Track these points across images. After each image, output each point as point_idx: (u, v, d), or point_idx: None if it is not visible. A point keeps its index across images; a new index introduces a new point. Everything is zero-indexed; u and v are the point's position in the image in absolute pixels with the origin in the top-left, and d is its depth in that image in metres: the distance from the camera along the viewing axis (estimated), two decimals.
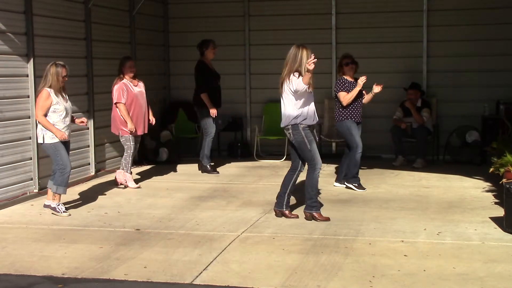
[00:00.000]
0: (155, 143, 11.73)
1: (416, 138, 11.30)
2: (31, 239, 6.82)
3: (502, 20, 11.79)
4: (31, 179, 8.93)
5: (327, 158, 11.75)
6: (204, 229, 7.20)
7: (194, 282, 5.52)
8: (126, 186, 9.52)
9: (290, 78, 7.35)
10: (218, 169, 10.99)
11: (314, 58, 7.17)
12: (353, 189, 9.18)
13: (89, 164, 10.35)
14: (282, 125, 7.56)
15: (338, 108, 9.39)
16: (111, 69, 10.92)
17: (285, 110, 7.46)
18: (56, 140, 7.80)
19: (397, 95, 11.94)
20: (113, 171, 10.44)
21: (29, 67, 8.85)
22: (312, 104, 7.49)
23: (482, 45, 11.91)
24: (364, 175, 10.38)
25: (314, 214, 7.50)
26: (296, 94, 7.32)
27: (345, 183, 9.37)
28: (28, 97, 8.86)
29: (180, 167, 11.32)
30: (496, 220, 7.29)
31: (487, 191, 9.02)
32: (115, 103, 9.42)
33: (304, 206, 7.64)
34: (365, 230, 7.04)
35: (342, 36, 12.41)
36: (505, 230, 6.87)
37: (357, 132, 9.30)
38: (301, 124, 7.40)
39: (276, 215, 7.68)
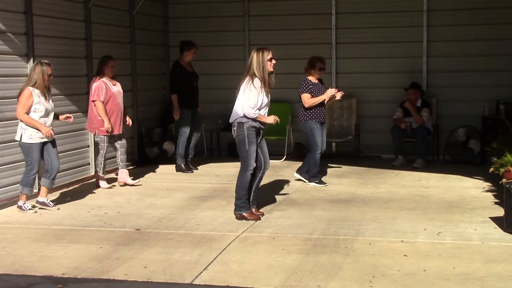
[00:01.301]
0: (156, 151, 11.82)
1: (416, 138, 11.30)
2: (31, 239, 6.82)
3: (502, 20, 11.79)
4: None
5: (327, 158, 11.77)
6: (204, 229, 7.20)
7: (194, 282, 5.52)
8: (98, 186, 9.60)
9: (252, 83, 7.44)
10: (218, 169, 11.00)
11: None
12: (311, 184, 9.61)
13: (89, 164, 10.34)
14: (230, 121, 7.63)
15: (302, 109, 9.62)
16: None
17: (236, 107, 7.52)
18: (33, 141, 7.90)
19: (397, 95, 11.94)
20: (113, 171, 10.45)
21: (29, 67, 8.83)
22: (266, 109, 7.56)
23: (482, 45, 11.91)
24: (364, 175, 10.40)
25: (244, 214, 7.55)
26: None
27: (304, 178, 9.77)
28: None
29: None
30: (496, 220, 7.30)
31: (487, 191, 9.02)
32: (93, 101, 9.41)
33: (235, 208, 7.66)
34: (365, 230, 7.04)
35: (342, 36, 12.40)
36: (505, 230, 6.87)
37: (319, 133, 9.56)
38: (246, 123, 7.45)
39: (237, 217, 7.64)
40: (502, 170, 7.83)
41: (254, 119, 7.44)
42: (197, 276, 5.63)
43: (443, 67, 12.13)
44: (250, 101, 7.36)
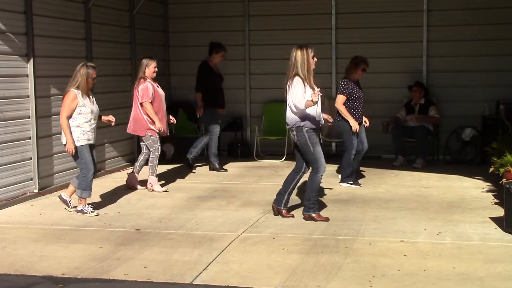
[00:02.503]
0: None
1: (416, 138, 11.30)
2: (31, 239, 6.82)
3: (502, 20, 11.79)
4: (31, 179, 8.92)
5: (327, 158, 11.77)
6: (204, 229, 7.20)
7: (194, 282, 5.52)
8: (152, 190, 9.33)
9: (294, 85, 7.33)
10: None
11: (319, 91, 7.28)
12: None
13: None
14: (287, 126, 7.57)
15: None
16: (111, 69, 10.95)
17: (289, 110, 7.46)
18: (81, 143, 7.78)
19: (397, 95, 11.94)
20: (113, 171, 10.45)
21: (29, 67, 8.84)
22: (318, 106, 7.46)
23: (482, 45, 11.91)
24: (364, 175, 10.39)
25: (313, 215, 7.50)
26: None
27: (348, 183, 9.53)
28: (28, 97, 8.85)
29: (180, 167, 11.31)
30: (496, 220, 7.29)
31: (487, 191, 9.02)
32: (142, 103, 9.18)
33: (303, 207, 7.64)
34: (365, 230, 7.04)
35: (342, 36, 12.41)
36: (505, 230, 6.87)
37: (355, 133, 9.49)
38: (304, 126, 7.39)
39: (274, 212, 7.70)
40: (502, 170, 7.83)
41: (309, 119, 7.36)
42: (197, 276, 5.63)
43: (443, 67, 12.13)
44: (298, 94, 7.26)
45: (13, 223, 7.53)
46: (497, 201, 8.28)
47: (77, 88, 7.78)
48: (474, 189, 9.18)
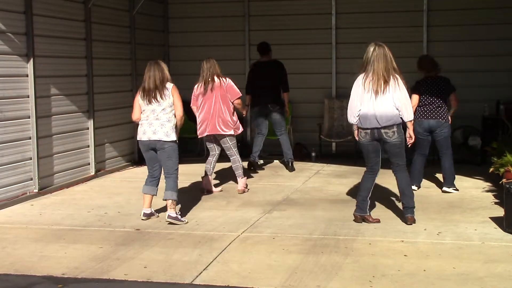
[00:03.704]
0: None
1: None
2: (31, 239, 6.82)
3: (502, 20, 11.79)
4: (31, 179, 8.92)
5: (327, 158, 11.78)
6: (204, 229, 7.20)
7: (194, 282, 5.52)
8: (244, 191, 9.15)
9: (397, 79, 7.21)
10: (218, 169, 11.01)
11: None
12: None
13: (89, 164, 10.34)
14: (384, 124, 7.14)
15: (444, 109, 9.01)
16: (111, 69, 10.96)
17: (388, 107, 7.15)
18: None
19: None
20: (113, 171, 10.45)
21: (29, 67, 8.84)
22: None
23: (482, 45, 11.91)
24: None
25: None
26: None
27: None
28: (28, 97, 8.86)
29: (180, 167, 11.27)
30: (496, 220, 7.29)
31: (487, 191, 9.02)
32: (235, 100, 9.12)
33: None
34: (365, 230, 7.04)
35: (342, 36, 12.41)
36: (505, 230, 6.87)
37: None
38: (401, 124, 7.21)
39: (357, 220, 7.35)
40: (502, 170, 7.84)
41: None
42: (197, 276, 5.63)
43: (443, 67, 12.09)
44: (408, 98, 7.18)
45: (13, 223, 7.53)
46: (497, 201, 8.28)
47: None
48: (474, 189, 9.18)
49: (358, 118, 7.26)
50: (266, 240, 6.72)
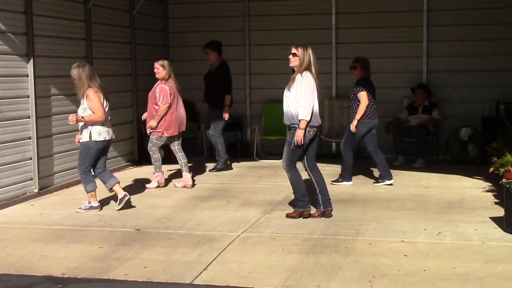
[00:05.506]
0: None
1: (415, 138, 11.29)
2: (31, 239, 6.82)
3: (502, 20, 11.79)
4: (31, 179, 8.92)
5: (327, 158, 11.77)
6: (204, 229, 7.20)
7: (194, 282, 5.52)
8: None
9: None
10: (217, 170, 11.05)
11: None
12: None
13: None
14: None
15: None
16: (111, 69, 10.95)
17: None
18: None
19: (396, 95, 11.94)
20: (113, 171, 10.42)
21: (29, 67, 8.84)
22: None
23: (482, 45, 11.91)
24: (364, 174, 10.39)
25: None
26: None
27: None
28: (28, 97, 8.86)
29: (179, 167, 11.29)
30: (496, 220, 7.30)
31: (487, 191, 9.02)
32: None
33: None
34: (365, 230, 7.04)
35: (342, 36, 12.41)
36: (505, 230, 6.87)
37: None
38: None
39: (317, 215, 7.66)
40: (502, 170, 7.84)
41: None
42: (197, 276, 5.63)
43: (443, 67, 12.13)
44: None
45: (13, 223, 7.53)
46: (497, 201, 8.28)
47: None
48: (474, 189, 9.18)
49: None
50: (266, 240, 6.72)
